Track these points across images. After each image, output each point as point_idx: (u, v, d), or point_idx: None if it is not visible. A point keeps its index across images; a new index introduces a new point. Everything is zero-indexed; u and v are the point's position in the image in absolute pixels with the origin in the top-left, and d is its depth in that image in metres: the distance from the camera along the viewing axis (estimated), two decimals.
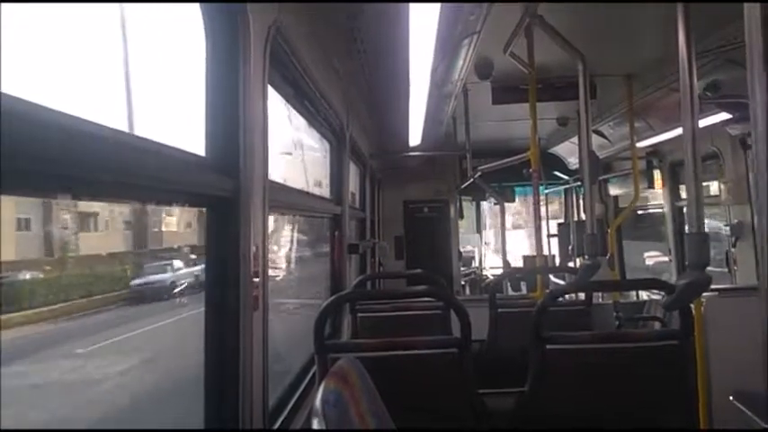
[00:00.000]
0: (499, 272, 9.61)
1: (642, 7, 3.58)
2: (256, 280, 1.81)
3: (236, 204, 1.71)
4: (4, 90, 0.90)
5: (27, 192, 1.22)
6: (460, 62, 3.81)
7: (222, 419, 1.65)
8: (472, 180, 6.92)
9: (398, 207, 8.90)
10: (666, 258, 6.87)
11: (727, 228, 5.23)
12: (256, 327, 1.79)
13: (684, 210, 6.13)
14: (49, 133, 0.94)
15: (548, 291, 4.25)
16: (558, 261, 8.65)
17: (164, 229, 3.36)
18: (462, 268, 9.35)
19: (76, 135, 1.03)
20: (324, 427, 1.32)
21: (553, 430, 2.34)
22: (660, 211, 7.04)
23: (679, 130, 4.97)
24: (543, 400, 2.37)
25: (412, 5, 2.61)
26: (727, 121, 4.73)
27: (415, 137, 6.06)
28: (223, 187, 1.66)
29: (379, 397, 1.83)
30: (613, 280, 5.21)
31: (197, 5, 1.71)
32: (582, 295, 4.08)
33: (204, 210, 1.75)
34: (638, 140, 5.72)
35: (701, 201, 2.26)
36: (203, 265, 1.74)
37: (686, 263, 4.54)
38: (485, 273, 10.08)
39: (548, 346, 2.39)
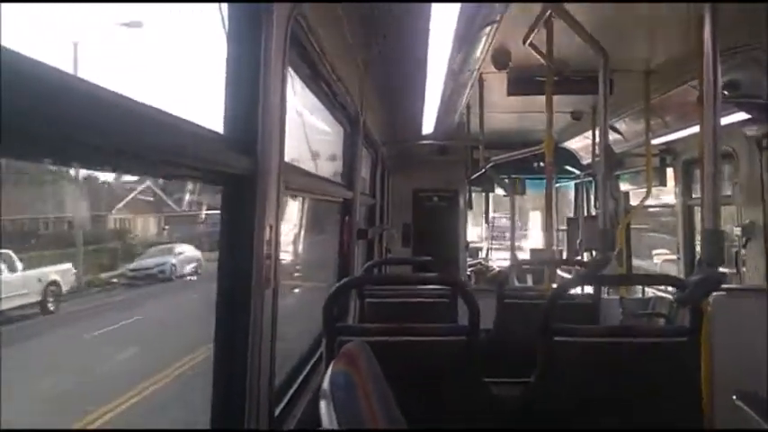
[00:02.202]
0: (506, 264, 9.62)
1: (666, 3, 3.54)
2: (268, 260, 1.82)
3: (253, 183, 1.72)
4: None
5: (35, 156, 1.17)
6: (478, 51, 3.78)
7: (230, 394, 1.67)
8: (484, 171, 6.90)
9: (408, 195, 8.90)
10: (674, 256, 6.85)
11: (737, 228, 5.20)
12: (267, 305, 1.80)
13: (697, 209, 6.09)
14: (62, 96, 0.93)
15: (558, 284, 4.25)
16: (565, 255, 8.63)
17: None
18: (468, 259, 9.36)
19: (93, 102, 1.03)
20: (332, 409, 1.33)
21: (559, 421, 2.35)
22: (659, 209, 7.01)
23: (694, 129, 4.94)
24: (550, 391, 2.38)
25: None
26: (745, 121, 4.68)
27: (428, 125, 6.04)
28: (240, 166, 1.67)
29: (386, 382, 1.84)
30: (625, 274, 5.20)
31: None
32: (589, 289, 4.08)
33: None
34: (653, 137, 5.68)
35: (718, 199, 2.25)
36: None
37: (699, 260, 4.53)
38: (490, 264, 10.08)
39: (556, 338, 2.39)
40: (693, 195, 6.31)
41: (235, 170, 1.65)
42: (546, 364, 2.39)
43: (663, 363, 2.40)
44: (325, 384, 1.44)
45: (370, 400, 1.51)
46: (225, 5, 1.74)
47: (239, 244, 1.69)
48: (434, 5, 2.83)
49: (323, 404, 1.37)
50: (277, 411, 2.14)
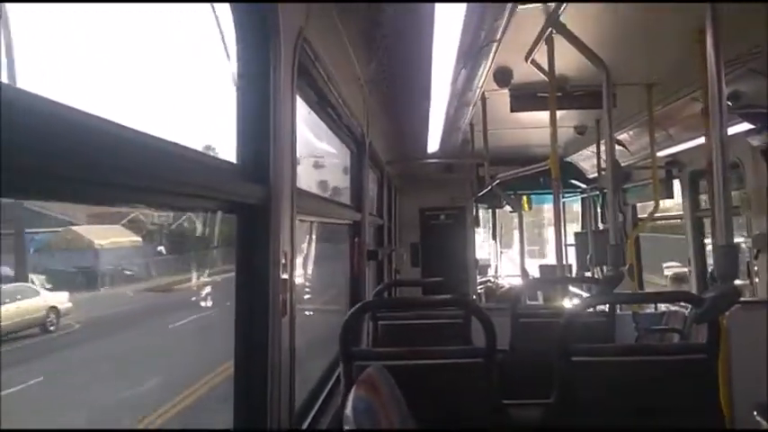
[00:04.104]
0: (515, 280, 9.57)
1: (665, 16, 3.57)
2: (284, 287, 1.82)
3: (267, 211, 1.72)
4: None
5: (44, 195, 1.16)
6: (481, 69, 3.81)
7: (250, 420, 1.67)
8: (490, 188, 6.90)
9: (415, 214, 8.90)
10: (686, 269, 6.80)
11: (747, 239, 5.17)
12: (284, 332, 1.80)
13: (706, 220, 6.06)
14: (75, 135, 0.93)
15: (574, 303, 4.20)
16: (574, 270, 8.59)
17: None
18: (478, 276, 9.32)
19: (107, 138, 1.04)
20: None
21: None
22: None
23: (699, 140, 4.95)
24: (569, 412, 2.35)
25: (437, 14, 2.62)
26: (749, 131, 4.69)
27: (432, 144, 6.06)
28: (254, 195, 1.68)
29: (406, 406, 1.83)
30: (640, 293, 5.15)
31: (228, 12, 1.74)
32: (604, 305, 4.05)
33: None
34: (658, 150, 5.68)
35: (729, 211, 2.24)
36: None
37: (711, 273, 4.47)
38: (500, 281, 10.03)
39: (574, 359, 2.37)
40: (702, 206, 6.29)
41: (248, 199, 1.66)
42: (565, 385, 2.36)
43: (683, 381, 2.37)
44: (348, 411, 1.44)
45: (391, 424, 1.50)
46: (233, 37, 1.76)
47: (255, 272, 1.70)
48: (437, 25, 2.86)
49: (346, 430, 1.36)
50: None
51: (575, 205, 10.88)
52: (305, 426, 2.37)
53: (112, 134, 1.06)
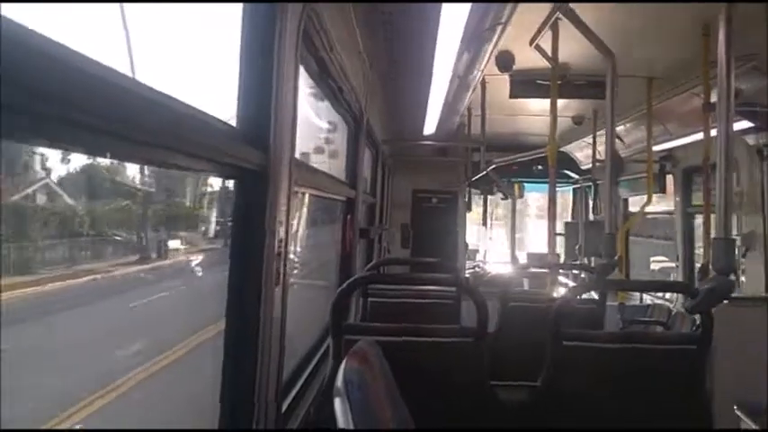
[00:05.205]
0: (503, 267, 9.62)
1: (673, 9, 3.55)
2: (278, 257, 1.81)
3: (265, 178, 1.70)
4: None
5: (42, 140, 1.09)
6: (484, 53, 3.78)
7: (239, 391, 1.66)
8: (485, 173, 6.90)
9: (407, 195, 8.90)
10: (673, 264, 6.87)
11: (737, 237, 5.22)
12: (276, 301, 1.79)
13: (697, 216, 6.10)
14: (74, 78, 0.90)
15: (562, 290, 4.22)
16: (562, 259, 8.64)
17: None
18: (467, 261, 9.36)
19: (107, 85, 1.01)
20: (348, 407, 1.32)
21: (566, 425, 2.34)
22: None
23: (696, 136, 4.96)
24: (556, 395, 2.37)
25: None
26: (746, 129, 4.71)
27: (429, 126, 6.04)
28: (253, 160, 1.65)
29: (395, 382, 1.83)
30: (636, 280, 5.18)
31: None
32: (594, 293, 4.08)
33: None
34: (654, 144, 5.69)
35: (729, 207, 2.25)
36: None
37: (701, 267, 4.50)
38: (487, 268, 10.08)
39: (565, 343, 2.38)
40: (693, 203, 6.33)
41: (248, 164, 1.64)
42: (554, 368, 2.38)
43: (672, 370, 2.40)
44: (339, 382, 1.43)
45: (381, 398, 1.50)
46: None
47: (251, 239, 1.68)
48: (444, 6, 2.82)
49: (337, 402, 1.36)
50: (284, 408, 2.12)
51: (565, 195, 10.92)
52: (290, 397, 2.37)
53: (113, 82, 1.03)
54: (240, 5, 1.72)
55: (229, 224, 2.19)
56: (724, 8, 2.46)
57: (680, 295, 4.94)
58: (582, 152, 8.26)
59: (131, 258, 2.71)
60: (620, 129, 6.46)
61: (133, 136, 1.08)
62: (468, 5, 2.86)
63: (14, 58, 0.73)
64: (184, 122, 1.30)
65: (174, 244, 3.16)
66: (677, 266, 6.52)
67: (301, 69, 2.15)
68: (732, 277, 2.46)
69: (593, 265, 7.14)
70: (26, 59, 0.77)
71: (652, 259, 8.00)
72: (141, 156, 1.30)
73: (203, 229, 3.45)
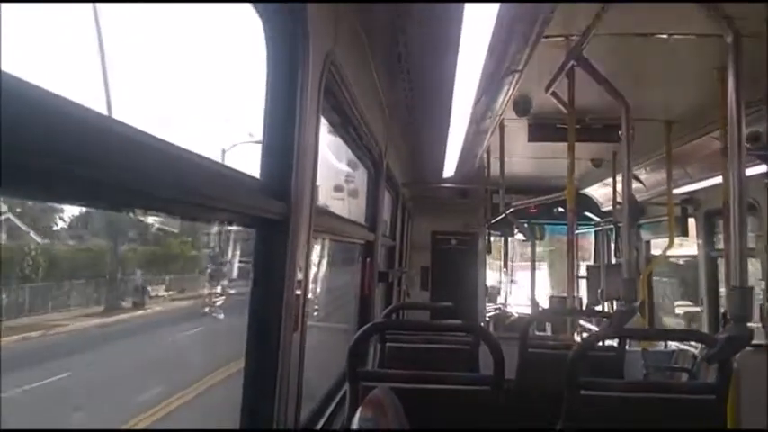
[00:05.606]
0: (525, 309, 9.50)
1: (686, 53, 3.60)
2: (297, 302, 1.84)
3: (286, 227, 1.75)
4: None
5: (70, 199, 1.16)
6: (501, 98, 3.85)
7: None
8: (504, 215, 6.91)
9: (426, 237, 8.91)
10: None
11: (761, 281, 5.11)
12: (295, 347, 1.82)
13: (720, 260, 6.00)
14: (101, 138, 0.95)
15: (585, 335, 4.14)
16: (584, 303, 8.52)
17: None
18: (487, 304, 9.28)
19: (139, 148, 1.07)
20: None
21: None
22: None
23: (716, 179, 4.93)
24: None
25: (462, 42, 2.67)
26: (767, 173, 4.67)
27: (448, 168, 6.10)
28: (275, 210, 1.71)
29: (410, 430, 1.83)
30: (652, 329, 5.10)
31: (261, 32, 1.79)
32: (614, 340, 4.01)
33: None
34: (674, 187, 5.67)
35: (744, 253, 2.24)
36: None
37: (724, 314, 4.41)
38: (509, 310, 9.97)
39: (582, 392, 2.35)
40: (716, 247, 6.24)
41: (270, 214, 1.69)
42: (572, 417, 2.34)
43: (690, 420, 2.35)
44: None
45: None
46: (263, 55, 1.81)
47: (271, 286, 1.72)
48: (462, 51, 2.90)
49: None
50: None
51: (587, 239, 10.83)
52: None
53: (138, 141, 1.09)
54: (264, 62, 1.81)
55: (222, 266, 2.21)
56: (731, 52, 2.49)
57: None
58: (602, 194, 8.23)
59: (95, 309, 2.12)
60: (640, 171, 6.46)
61: (163, 194, 1.14)
62: (484, 53, 2.93)
63: (49, 124, 0.79)
64: (213, 180, 1.37)
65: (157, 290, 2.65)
66: (702, 310, 6.39)
67: (322, 119, 2.23)
68: (750, 325, 2.41)
69: (614, 309, 7.03)
70: (62, 126, 0.83)
71: (676, 304, 7.86)
72: (164, 209, 1.36)
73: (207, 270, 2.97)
